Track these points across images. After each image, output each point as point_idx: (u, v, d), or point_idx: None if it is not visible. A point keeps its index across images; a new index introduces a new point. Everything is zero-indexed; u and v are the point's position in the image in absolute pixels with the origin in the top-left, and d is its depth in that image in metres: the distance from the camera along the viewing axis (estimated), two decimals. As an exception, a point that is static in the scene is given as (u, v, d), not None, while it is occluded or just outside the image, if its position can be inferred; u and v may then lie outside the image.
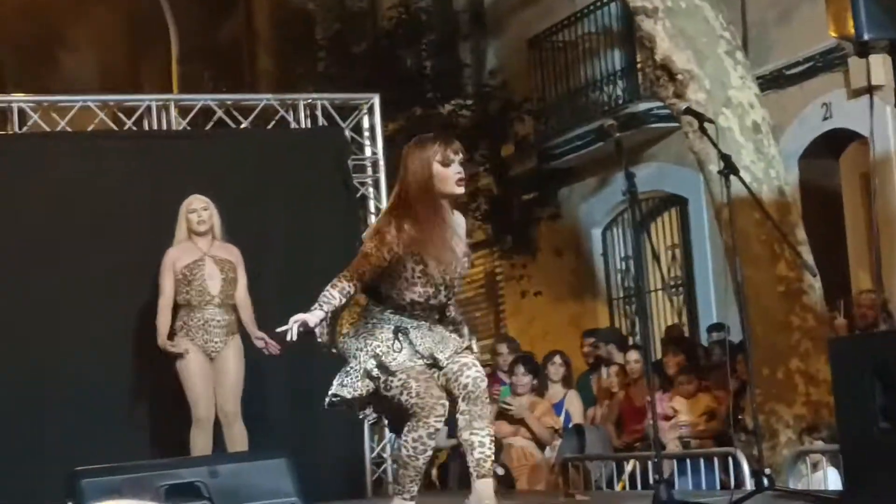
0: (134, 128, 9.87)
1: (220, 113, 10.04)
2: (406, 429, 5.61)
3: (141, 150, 9.68)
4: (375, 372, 5.69)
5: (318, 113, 10.22)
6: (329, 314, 5.71)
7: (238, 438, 8.33)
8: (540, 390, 10.25)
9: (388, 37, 16.03)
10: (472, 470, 5.63)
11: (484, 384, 5.71)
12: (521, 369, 10.16)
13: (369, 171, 10.33)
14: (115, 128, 9.93)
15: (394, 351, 5.70)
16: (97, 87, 18.81)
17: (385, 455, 10.05)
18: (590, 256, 15.16)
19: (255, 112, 10.22)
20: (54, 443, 8.89)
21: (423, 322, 5.76)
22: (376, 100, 10.39)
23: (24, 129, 9.66)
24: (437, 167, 5.71)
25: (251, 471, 4.91)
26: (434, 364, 5.73)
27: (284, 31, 18.39)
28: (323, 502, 6.62)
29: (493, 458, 5.71)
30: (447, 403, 5.62)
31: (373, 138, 10.36)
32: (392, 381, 5.65)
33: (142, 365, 9.05)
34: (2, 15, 19.88)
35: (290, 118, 10.23)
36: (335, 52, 16.35)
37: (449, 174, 5.71)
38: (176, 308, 8.49)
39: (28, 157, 9.37)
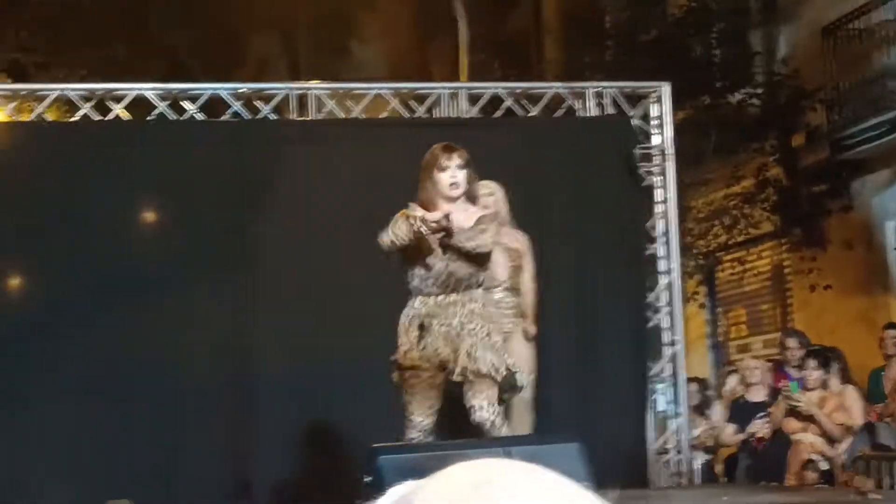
0: (425, 115, 10.05)
1: (509, 101, 10.13)
2: None
3: (432, 138, 9.81)
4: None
5: (606, 101, 10.19)
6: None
7: (526, 421, 8.36)
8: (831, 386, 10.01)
9: (678, 25, 15.85)
10: None
11: (490, 422, 6.63)
12: (812, 363, 9.94)
13: (656, 160, 10.26)
14: (406, 115, 10.12)
15: (417, 349, 6.72)
16: (386, 76, 19.18)
17: (669, 446, 9.98)
18: (882, 250, 14.69)
19: (544, 100, 10.27)
20: (346, 420, 9.12)
21: (441, 302, 6.71)
22: (666, 88, 10.30)
23: (321, 115, 9.93)
24: (435, 172, 6.79)
25: (544, 454, 4.92)
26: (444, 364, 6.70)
27: (573, 19, 18.42)
28: (605, 490, 6.59)
29: None
30: (427, 422, 6.77)
31: (661, 127, 10.28)
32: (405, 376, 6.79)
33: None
34: (297, 5, 20.46)
35: (578, 106, 10.24)
36: (623, 40, 16.27)
37: (443, 179, 6.76)
38: None
39: (324, 143, 9.63)
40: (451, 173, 6.79)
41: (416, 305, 6.81)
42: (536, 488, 1.30)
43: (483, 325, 6.82)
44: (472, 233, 6.82)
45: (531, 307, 8.56)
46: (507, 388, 6.81)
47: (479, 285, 6.96)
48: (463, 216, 6.86)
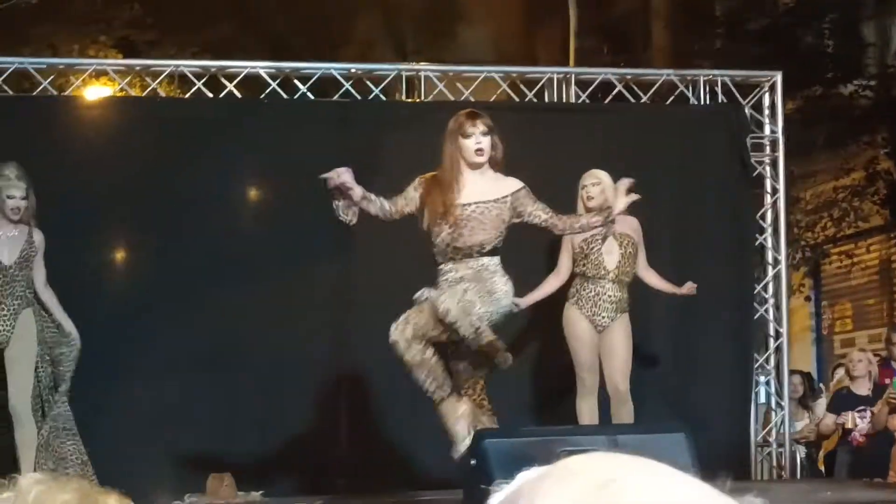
0: (534, 100, 10.02)
1: (619, 87, 10.07)
2: None
3: (540, 122, 9.81)
4: None
5: (718, 89, 10.11)
6: (366, 202, 6.92)
7: (626, 416, 8.33)
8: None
9: (789, 14, 15.66)
10: None
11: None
12: (918, 360, 9.79)
13: (767, 149, 10.16)
14: (516, 99, 10.10)
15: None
16: (492, 60, 19.12)
17: (771, 439, 9.90)
18: None
19: (654, 87, 10.20)
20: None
21: (440, 270, 6.82)
22: (778, 78, 10.20)
23: (430, 97, 9.93)
24: (459, 139, 6.79)
25: (650, 443, 4.91)
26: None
27: (682, 6, 18.27)
28: (713, 481, 6.54)
29: None
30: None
31: (773, 117, 10.18)
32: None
33: (532, 334, 9.22)
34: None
35: (689, 94, 10.16)
36: (733, 28, 16.11)
37: (468, 145, 6.75)
38: (571, 277, 8.57)
39: (433, 126, 9.61)
40: (476, 139, 6.79)
41: (442, 273, 6.89)
42: (663, 489, 1.22)
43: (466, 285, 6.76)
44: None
45: (662, 280, 8.57)
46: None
47: (481, 254, 6.86)
48: (491, 185, 6.85)
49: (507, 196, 6.84)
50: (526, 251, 8.61)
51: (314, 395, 9.13)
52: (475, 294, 6.62)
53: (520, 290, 8.51)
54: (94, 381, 8.58)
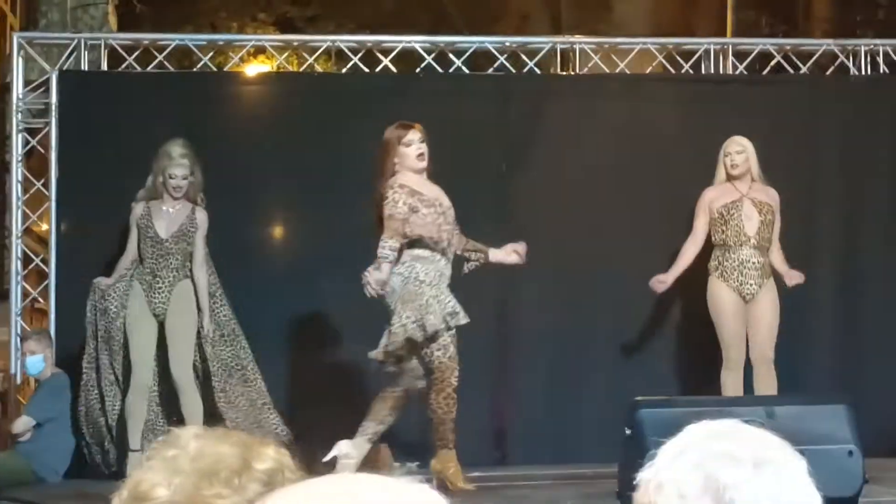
0: (690, 72, 9.91)
1: (777, 58, 9.92)
2: (433, 391, 7.11)
3: (695, 94, 9.72)
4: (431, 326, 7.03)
5: (880, 60, 9.90)
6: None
7: (769, 383, 8.22)
8: None
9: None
10: None
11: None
12: None
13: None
14: (672, 71, 10.01)
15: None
16: (647, 32, 18.93)
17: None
18: None
19: (814, 58, 10.02)
20: (603, 373, 9.16)
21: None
22: (944, 47, 9.95)
23: (585, 70, 9.88)
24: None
25: (809, 414, 4.84)
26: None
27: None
28: (869, 457, 6.43)
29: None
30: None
31: (936, 89, 9.94)
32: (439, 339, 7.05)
33: (673, 304, 9.16)
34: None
35: (850, 65, 9.96)
36: (897, -2, 15.77)
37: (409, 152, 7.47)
38: (711, 249, 8.49)
39: (588, 98, 9.60)
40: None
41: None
42: None
43: None
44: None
45: (782, 260, 8.43)
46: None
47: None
48: None
49: None
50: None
51: (472, 366, 9.15)
52: None
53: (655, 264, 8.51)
54: (254, 351, 8.73)
